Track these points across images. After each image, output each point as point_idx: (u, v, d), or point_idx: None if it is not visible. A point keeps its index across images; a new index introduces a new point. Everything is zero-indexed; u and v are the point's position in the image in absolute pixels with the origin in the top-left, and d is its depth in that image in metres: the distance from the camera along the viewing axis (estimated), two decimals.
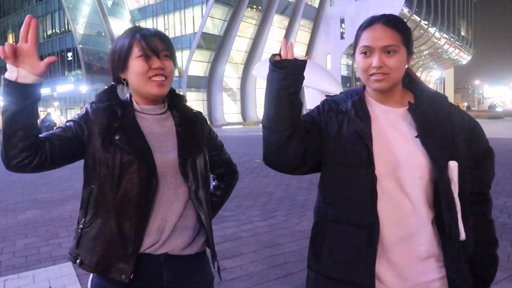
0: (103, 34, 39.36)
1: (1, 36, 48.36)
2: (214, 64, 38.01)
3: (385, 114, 1.17)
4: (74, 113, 34.34)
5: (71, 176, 8.93)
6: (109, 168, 1.14)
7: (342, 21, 43.15)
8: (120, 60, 1.20)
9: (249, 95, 41.80)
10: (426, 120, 1.11)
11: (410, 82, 1.24)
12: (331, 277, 1.15)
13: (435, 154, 1.07)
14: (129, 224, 1.14)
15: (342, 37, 43.22)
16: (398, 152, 1.10)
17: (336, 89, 30.92)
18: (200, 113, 1.40)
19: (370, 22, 1.15)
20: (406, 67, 1.18)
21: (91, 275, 1.25)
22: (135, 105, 1.24)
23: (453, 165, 1.07)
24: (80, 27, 39.09)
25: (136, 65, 1.16)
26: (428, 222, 1.09)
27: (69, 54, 38.74)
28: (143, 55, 1.16)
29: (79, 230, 1.20)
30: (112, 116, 1.18)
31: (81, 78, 36.82)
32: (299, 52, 44.64)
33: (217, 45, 37.77)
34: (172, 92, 1.31)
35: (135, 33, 1.18)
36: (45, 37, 42.13)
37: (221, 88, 38.68)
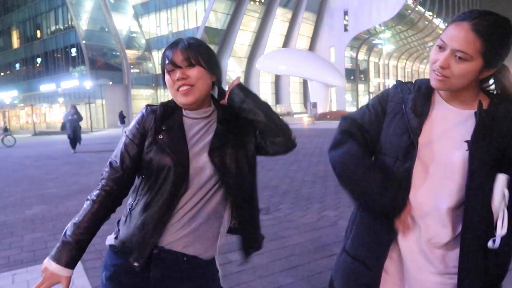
0: (106, 29, 39.34)
1: (5, 33, 48.46)
2: (218, 58, 37.92)
3: (444, 114, 1.13)
4: (79, 109, 34.42)
5: (77, 172, 8.99)
6: (150, 165, 1.23)
7: (345, 13, 42.84)
8: (162, 77, 1.31)
9: (253, 89, 40.47)
10: (489, 127, 1.05)
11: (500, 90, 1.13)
12: (351, 254, 1.27)
13: (476, 162, 1.03)
14: (153, 218, 1.21)
15: (346, 30, 42.94)
16: (439, 152, 1.09)
17: (339, 82, 30.86)
18: None
19: (462, 18, 1.04)
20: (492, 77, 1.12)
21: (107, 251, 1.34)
22: (183, 110, 1.31)
23: (502, 178, 1.03)
24: (83, 23, 39.06)
25: (166, 79, 1.27)
26: (450, 227, 1.09)
27: (73, 50, 38.75)
28: (168, 70, 1.25)
29: (128, 210, 1.29)
30: (161, 118, 1.27)
31: (85, 74, 36.89)
32: (302, 45, 44.49)
33: (220, 39, 37.68)
34: (220, 93, 1.35)
35: (166, 49, 1.28)
36: (49, 33, 42.17)
37: (224, 82, 38.42)
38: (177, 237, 1.22)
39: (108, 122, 36.63)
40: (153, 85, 40.67)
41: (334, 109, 37.39)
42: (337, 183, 5.11)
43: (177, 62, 1.22)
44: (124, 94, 38.60)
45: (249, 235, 1.41)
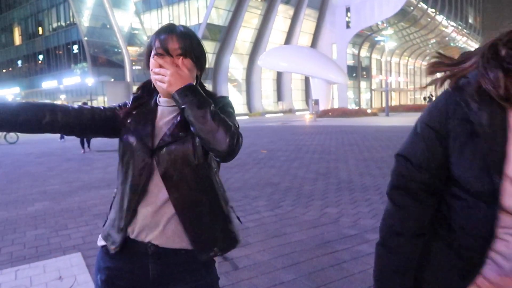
0: (108, 26, 39.33)
1: (6, 30, 48.52)
2: (219, 55, 37.92)
3: None
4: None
5: (79, 168, 9.01)
6: (119, 149, 1.25)
7: (347, 10, 42.70)
8: (146, 58, 1.25)
9: (254, 86, 41.69)
10: None
11: None
12: None
13: None
14: (125, 202, 1.21)
15: (348, 26, 42.80)
16: None
17: (341, 79, 30.81)
18: (223, 97, 1.32)
19: None
20: None
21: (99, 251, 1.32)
22: (158, 97, 1.29)
23: None
24: (85, 20, 39.07)
25: (151, 62, 1.21)
26: None
27: (75, 47, 38.80)
28: (156, 54, 1.19)
29: (112, 202, 1.32)
30: (134, 104, 1.29)
31: (87, 71, 36.93)
32: (304, 42, 44.40)
33: (222, 36, 37.63)
34: (200, 87, 1.27)
35: (159, 32, 1.22)
36: (51, 30, 42.20)
37: (226, 79, 38.61)
38: (148, 226, 1.19)
39: None
40: None
41: (336, 106, 37.34)
42: (338, 181, 5.13)
43: (170, 49, 1.18)
44: (126, 90, 38.61)
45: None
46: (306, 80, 43.10)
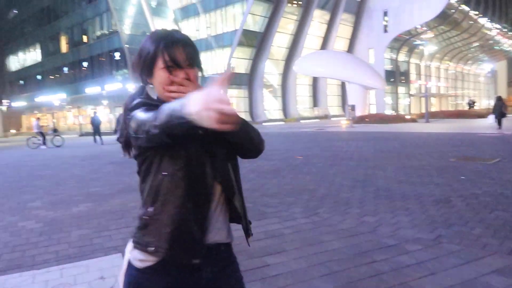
0: (147, 33, 40.46)
1: (54, 38, 51.14)
2: (255, 61, 38.17)
3: None
4: (121, 111, 35.62)
5: (120, 172, 9.33)
6: (178, 159, 1.19)
7: (385, 13, 41.85)
8: (146, 67, 1.23)
9: (290, 92, 41.62)
10: None
11: None
12: None
13: None
14: (198, 212, 1.20)
15: (385, 31, 41.94)
16: None
17: (379, 84, 30.16)
18: None
19: None
20: None
21: (122, 273, 1.26)
22: None
23: None
24: (126, 28, 40.57)
25: (160, 75, 1.19)
26: None
27: (117, 54, 40.33)
28: (166, 67, 1.18)
29: (147, 218, 1.22)
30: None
31: (127, 77, 38.24)
32: (340, 47, 43.89)
33: (257, 41, 37.88)
34: None
35: (159, 42, 1.20)
36: (95, 38, 44.11)
37: (262, 84, 38.80)
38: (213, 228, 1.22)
39: None
40: None
41: (373, 111, 36.58)
42: (376, 188, 5.03)
43: (180, 61, 1.18)
44: None
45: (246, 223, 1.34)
46: (342, 85, 42.51)
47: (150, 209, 1.20)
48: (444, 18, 41.32)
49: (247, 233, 1.33)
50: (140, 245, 1.21)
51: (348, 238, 3.83)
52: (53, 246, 4.00)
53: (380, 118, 27.63)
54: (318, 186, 6.43)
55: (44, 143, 20.43)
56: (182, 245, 1.18)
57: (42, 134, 20.86)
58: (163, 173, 1.18)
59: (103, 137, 21.15)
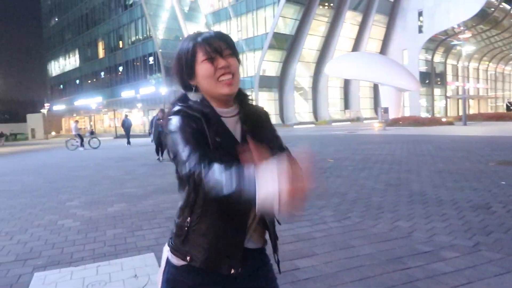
0: (180, 38, 41.44)
1: (92, 44, 53.19)
2: (286, 64, 38.13)
3: None
4: (155, 114, 36.57)
5: (153, 173, 9.55)
6: None
7: (420, 13, 40.76)
8: (187, 68, 1.22)
9: (321, 94, 41.26)
10: None
11: None
12: None
13: None
14: (236, 223, 1.21)
15: (420, 31, 40.82)
16: None
17: (413, 86, 29.38)
18: (264, 111, 1.38)
19: None
20: None
21: (160, 272, 1.29)
22: (216, 108, 1.24)
23: None
24: (160, 33, 41.61)
25: (203, 68, 1.19)
26: None
27: (151, 59, 41.43)
28: (208, 58, 1.18)
29: (185, 228, 1.22)
30: (208, 118, 1.18)
31: (161, 81, 39.18)
32: (373, 48, 43.13)
33: (288, 44, 37.84)
34: (238, 90, 1.30)
35: (196, 38, 1.21)
36: (130, 43, 45.50)
37: (292, 87, 38.69)
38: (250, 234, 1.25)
39: None
40: None
41: (406, 114, 35.65)
42: (410, 193, 4.89)
43: (217, 51, 1.19)
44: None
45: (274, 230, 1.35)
46: (375, 87, 41.73)
47: (188, 219, 1.21)
48: (483, 17, 39.74)
49: (275, 248, 1.35)
50: (176, 252, 1.24)
51: (380, 243, 3.74)
52: (89, 244, 4.14)
53: (414, 121, 26.86)
54: (349, 190, 6.32)
55: (81, 145, 21.23)
56: (218, 257, 1.19)
57: (80, 136, 21.69)
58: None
59: (131, 139, 21.82)
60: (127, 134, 22.28)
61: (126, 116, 24.20)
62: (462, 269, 3.04)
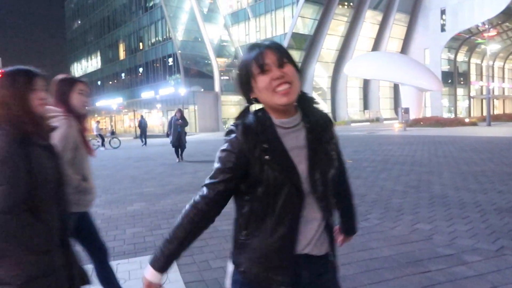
0: (199, 39, 41.79)
1: (113, 46, 54.16)
2: (304, 64, 37.93)
3: None
4: (173, 114, 36.85)
5: (171, 173, 9.65)
6: (266, 188, 1.21)
7: (443, 12, 39.84)
8: (244, 82, 1.26)
9: (340, 94, 40.89)
10: None
11: None
12: None
13: None
14: (286, 239, 1.23)
15: (443, 30, 39.91)
16: None
17: (435, 86, 28.80)
18: (327, 116, 1.39)
19: None
20: None
21: (228, 279, 1.34)
22: (274, 120, 1.26)
23: None
24: (179, 34, 42.01)
25: (258, 81, 1.21)
26: None
27: (170, 60, 41.85)
28: (261, 71, 1.21)
29: (241, 241, 1.30)
30: (259, 136, 1.22)
31: (180, 82, 39.55)
32: (394, 48, 42.46)
33: (307, 44, 37.64)
34: (300, 96, 1.30)
35: (250, 52, 1.25)
36: (150, 45, 46.13)
37: (311, 87, 38.44)
38: (311, 243, 1.28)
39: (199, 126, 38.74)
40: None
41: (428, 114, 34.97)
42: (431, 195, 4.78)
43: (271, 62, 1.21)
44: (215, 100, 40.50)
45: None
46: (395, 87, 41.07)
47: (244, 232, 1.28)
48: (509, 14, 38.59)
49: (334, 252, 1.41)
50: (234, 263, 1.31)
51: (400, 245, 3.68)
52: (109, 242, 4.21)
53: (436, 121, 26.31)
54: (368, 191, 6.24)
55: (102, 145, 21.65)
56: (267, 273, 1.24)
57: (101, 136, 22.12)
58: (252, 202, 1.25)
59: (148, 140, 22.23)
60: (143, 134, 22.78)
61: (142, 116, 24.70)
62: (485, 273, 2.96)
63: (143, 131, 23.00)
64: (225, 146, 1.24)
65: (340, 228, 1.59)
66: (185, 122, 12.04)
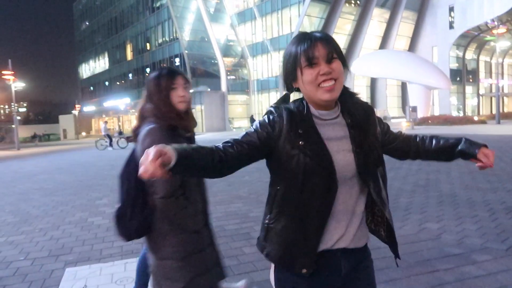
0: (206, 39, 41.88)
1: (120, 47, 54.49)
2: None
3: None
4: None
5: None
6: (294, 173, 1.21)
7: (451, 9, 39.46)
8: (289, 71, 1.25)
9: None
10: None
11: None
12: None
13: None
14: (311, 225, 1.22)
15: (451, 27, 39.52)
16: None
17: (443, 84, 28.53)
18: (368, 105, 1.38)
19: None
20: None
21: (272, 270, 1.35)
22: (312, 110, 1.27)
23: None
24: (186, 34, 42.14)
25: (305, 74, 1.20)
26: None
27: (177, 60, 42.01)
28: (309, 64, 1.19)
29: (265, 225, 1.31)
30: (295, 122, 1.23)
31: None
32: (401, 46, 42.18)
33: None
34: (343, 91, 1.30)
35: (300, 42, 1.22)
36: (157, 45, 46.34)
37: None
38: (340, 234, 1.27)
39: (206, 126, 38.84)
40: (247, 90, 42.09)
41: (436, 113, 34.70)
42: (440, 194, 4.74)
43: (320, 56, 1.19)
44: (221, 100, 40.58)
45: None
46: (403, 86, 40.79)
47: (268, 216, 1.29)
48: None
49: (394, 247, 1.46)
50: (258, 245, 1.35)
51: (408, 244, 3.66)
52: (118, 242, 4.24)
53: (444, 120, 26.10)
54: None
55: (110, 145, 21.79)
56: (290, 257, 1.25)
57: (109, 137, 22.26)
58: (277, 187, 1.26)
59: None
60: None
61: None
62: (494, 272, 2.93)
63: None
64: (264, 118, 1.26)
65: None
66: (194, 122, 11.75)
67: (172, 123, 1.83)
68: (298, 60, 1.20)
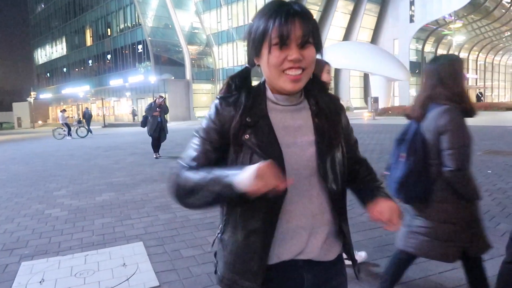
0: (170, 26, 40.90)
1: (80, 31, 52.21)
2: None
3: None
4: (144, 103, 36.21)
5: (142, 162, 9.49)
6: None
7: (412, 3, 40.70)
8: (254, 45, 1.04)
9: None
10: None
11: None
12: None
13: None
14: (257, 238, 1.04)
15: (411, 21, 40.82)
16: None
17: (403, 76, 29.51)
18: (337, 98, 1.20)
19: None
20: None
21: None
22: (268, 93, 1.09)
23: None
24: (149, 20, 40.96)
25: (270, 54, 1.00)
26: None
27: (139, 47, 40.81)
28: (279, 43, 0.98)
29: (216, 236, 1.16)
30: (242, 111, 1.05)
31: (150, 69, 38.71)
32: (364, 38, 43.11)
33: None
34: (311, 80, 1.11)
35: (274, 13, 0.99)
36: (118, 31, 44.77)
37: None
38: (297, 244, 1.08)
39: (170, 115, 38.11)
40: (212, 79, 41.70)
41: (396, 104, 35.89)
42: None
43: (294, 38, 0.98)
44: (186, 88, 39.96)
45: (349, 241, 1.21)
46: (365, 77, 41.82)
47: (219, 226, 1.15)
48: (475, 6, 39.91)
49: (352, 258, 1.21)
50: (214, 267, 1.18)
51: (368, 231, 3.79)
52: (77, 234, 4.11)
53: (404, 110, 26.48)
54: None
55: (69, 134, 20.98)
56: (234, 275, 1.08)
57: (68, 125, 21.43)
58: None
59: (118, 128, 22.32)
60: (88, 124, 23.98)
61: (87, 108, 26.88)
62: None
63: (87, 121, 24.15)
64: (209, 114, 1.09)
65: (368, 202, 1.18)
66: (165, 109, 10.19)
67: (463, 106, 2.05)
68: (267, 35, 0.99)
